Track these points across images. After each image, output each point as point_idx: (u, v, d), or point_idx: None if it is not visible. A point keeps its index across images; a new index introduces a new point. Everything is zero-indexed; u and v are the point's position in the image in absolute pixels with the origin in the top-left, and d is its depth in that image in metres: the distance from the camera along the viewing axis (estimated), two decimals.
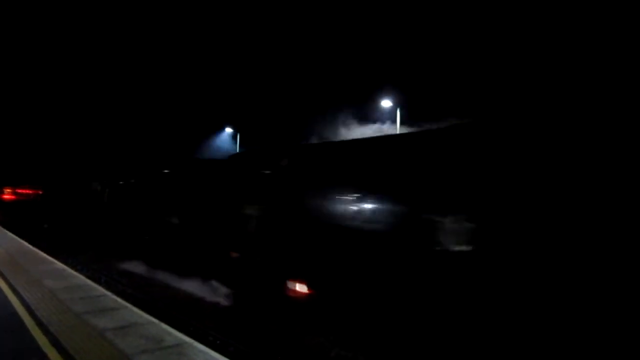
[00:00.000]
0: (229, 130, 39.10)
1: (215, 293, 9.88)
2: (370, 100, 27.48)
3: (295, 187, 7.95)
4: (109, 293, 7.79)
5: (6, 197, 45.71)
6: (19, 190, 39.64)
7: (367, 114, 28.13)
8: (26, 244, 14.65)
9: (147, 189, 15.58)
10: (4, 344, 5.03)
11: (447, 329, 5.61)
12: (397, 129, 24.95)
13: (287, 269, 7.43)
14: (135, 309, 6.69)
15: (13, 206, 35.96)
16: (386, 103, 26.02)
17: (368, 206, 6.65)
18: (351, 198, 6.86)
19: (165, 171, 15.58)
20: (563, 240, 4.87)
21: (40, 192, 30.91)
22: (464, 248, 5.47)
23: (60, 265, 10.62)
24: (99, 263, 14.87)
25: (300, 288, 6.90)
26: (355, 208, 6.70)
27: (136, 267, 13.55)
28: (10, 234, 17.83)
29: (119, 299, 7.33)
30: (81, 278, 9.12)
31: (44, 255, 12.14)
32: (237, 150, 37.40)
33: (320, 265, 6.85)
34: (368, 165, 7.26)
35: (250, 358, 6.91)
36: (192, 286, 10.66)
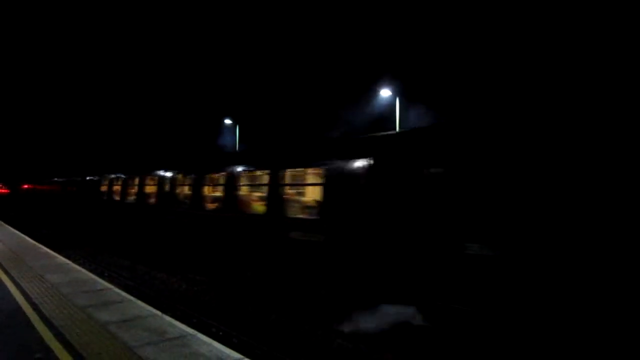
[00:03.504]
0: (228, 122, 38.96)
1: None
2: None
3: None
4: (111, 286, 7.83)
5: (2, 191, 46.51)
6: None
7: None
8: (28, 238, 14.69)
9: None
10: (9, 339, 5.06)
11: None
12: (397, 123, 24.84)
13: None
14: (138, 302, 6.73)
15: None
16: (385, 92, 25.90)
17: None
18: None
19: None
20: None
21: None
22: None
23: (62, 259, 10.67)
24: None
25: None
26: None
27: None
28: (10, 228, 17.87)
29: (122, 292, 7.38)
30: (83, 272, 9.16)
31: (46, 249, 12.19)
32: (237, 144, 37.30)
33: None
34: None
35: (253, 349, 6.96)
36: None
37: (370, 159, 7.27)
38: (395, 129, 22.86)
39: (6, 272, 8.65)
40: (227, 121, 39.06)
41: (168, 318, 5.95)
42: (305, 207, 9.27)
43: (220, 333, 7.55)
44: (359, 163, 7.44)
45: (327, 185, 7.90)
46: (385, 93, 25.90)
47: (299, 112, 36.32)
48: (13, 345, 4.89)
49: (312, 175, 9.08)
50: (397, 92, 25.42)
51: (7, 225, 18.97)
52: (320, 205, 8.09)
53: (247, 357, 4.67)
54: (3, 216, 24.79)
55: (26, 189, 38.55)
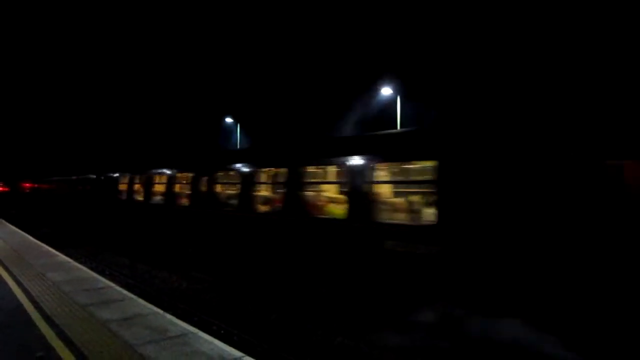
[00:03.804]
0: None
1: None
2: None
3: None
4: (112, 285, 7.84)
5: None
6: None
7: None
8: (29, 236, 14.70)
9: None
10: (10, 337, 5.06)
11: None
12: (398, 118, 24.81)
13: None
14: (139, 300, 6.73)
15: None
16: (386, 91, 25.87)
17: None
18: None
19: None
20: None
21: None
22: None
23: (63, 257, 10.67)
24: None
25: None
26: None
27: None
28: (11, 226, 17.88)
29: (123, 291, 7.38)
30: (85, 270, 9.17)
31: (48, 248, 12.20)
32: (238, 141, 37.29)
33: None
34: None
35: (254, 347, 6.96)
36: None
37: (522, 147, 5.52)
38: (396, 127, 22.85)
39: (7, 270, 8.66)
40: (228, 120, 39.06)
41: (169, 316, 5.95)
42: (403, 210, 7.53)
43: (222, 331, 7.56)
44: (501, 154, 5.67)
45: (450, 183, 6.15)
46: (386, 91, 25.86)
47: (299, 110, 36.32)
48: (14, 343, 4.89)
49: (418, 169, 7.36)
50: (398, 90, 25.39)
51: (8, 224, 18.98)
52: (438, 208, 6.29)
53: (248, 355, 4.67)
54: (3, 214, 24.81)
55: (26, 187, 38.58)
